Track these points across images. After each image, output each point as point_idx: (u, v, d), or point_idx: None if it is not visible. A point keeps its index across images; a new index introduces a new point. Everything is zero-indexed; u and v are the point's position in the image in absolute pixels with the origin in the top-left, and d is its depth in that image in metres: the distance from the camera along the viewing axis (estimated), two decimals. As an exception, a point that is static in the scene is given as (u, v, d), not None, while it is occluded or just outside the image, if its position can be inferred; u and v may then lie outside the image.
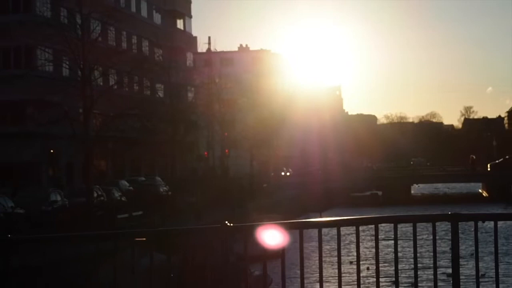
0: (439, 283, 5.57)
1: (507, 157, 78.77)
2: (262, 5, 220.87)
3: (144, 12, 62.13)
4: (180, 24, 70.04)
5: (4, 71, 44.36)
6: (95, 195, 36.90)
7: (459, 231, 5.56)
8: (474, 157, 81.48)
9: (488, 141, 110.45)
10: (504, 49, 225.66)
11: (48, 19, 42.15)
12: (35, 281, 8.60)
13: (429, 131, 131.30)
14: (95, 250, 12.95)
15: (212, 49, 75.72)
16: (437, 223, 5.80)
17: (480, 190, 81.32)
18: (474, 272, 5.72)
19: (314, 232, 5.59)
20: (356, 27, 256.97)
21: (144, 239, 5.67)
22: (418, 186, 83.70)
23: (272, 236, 5.74)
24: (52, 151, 44.45)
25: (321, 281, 5.38)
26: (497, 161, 78.80)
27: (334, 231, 5.73)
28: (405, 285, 8.87)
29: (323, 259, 5.67)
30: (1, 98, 43.11)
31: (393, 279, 6.66)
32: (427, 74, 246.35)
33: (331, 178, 69.76)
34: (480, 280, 5.78)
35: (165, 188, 49.59)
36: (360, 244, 5.93)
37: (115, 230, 19.95)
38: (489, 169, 76.91)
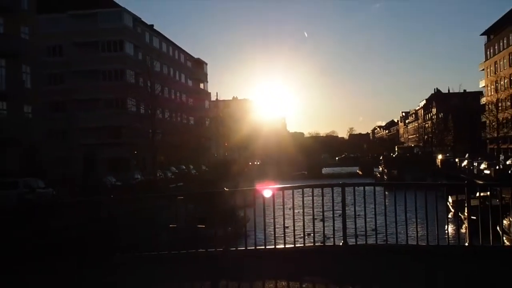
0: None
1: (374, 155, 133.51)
2: (246, 71, 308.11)
3: (183, 79, 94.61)
4: (202, 85, 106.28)
5: (110, 111, 66.89)
6: (158, 174, 60.76)
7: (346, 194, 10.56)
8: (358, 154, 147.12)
9: (361, 146, 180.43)
10: (366, 92, 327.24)
11: (132, 83, 68.19)
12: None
13: (331, 140, 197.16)
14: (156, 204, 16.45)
15: (219, 98, 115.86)
16: (334, 188, 10.96)
17: (357, 171, 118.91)
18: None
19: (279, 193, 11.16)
20: (298, 77, 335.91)
21: (182, 197, 12.64)
22: (325, 169, 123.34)
23: (250, 194, 11.83)
24: (135, 152, 66.41)
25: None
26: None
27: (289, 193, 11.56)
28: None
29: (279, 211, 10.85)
30: (110, 124, 65.78)
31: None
32: (332, 107, 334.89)
33: (280, 166, 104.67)
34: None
35: (194, 171, 77.64)
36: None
37: (169, 193, 34.24)
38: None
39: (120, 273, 9.99)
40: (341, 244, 10.57)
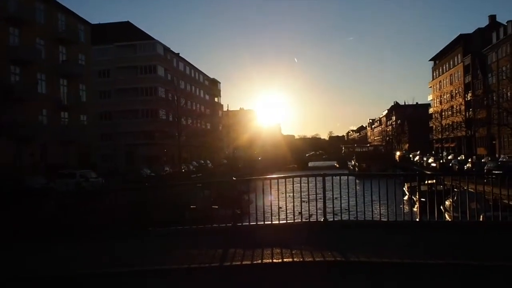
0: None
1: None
2: (250, 87, 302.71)
3: (201, 94, 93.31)
4: (216, 99, 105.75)
5: (146, 119, 67.68)
6: (182, 167, 60.20)
7: (326, 182, 10.48)
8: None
9: (338, 146, 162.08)
10: (342, 102, 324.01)
11: (163, 98, 69.21)
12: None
13: (315, 141, 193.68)
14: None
15: (229, 109, 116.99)
16: (317, 178, 10.80)
17: (335, 164, 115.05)
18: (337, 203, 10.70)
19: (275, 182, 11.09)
20: (291, 90, 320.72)
21: (200, 185, 13.12)
22: (311, 163, 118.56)
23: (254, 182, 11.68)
24: (165, 150, 66.80)
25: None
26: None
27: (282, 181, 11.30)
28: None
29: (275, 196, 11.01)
30: (146, 129, 66.46)
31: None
32: (316, 115, 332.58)
33: (276, 161, 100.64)
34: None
35: (210, 165, 74.50)
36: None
37: (191, 182, 34.04)
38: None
39: (154, 242, 10.00)
40: (322, 220, 10.58)
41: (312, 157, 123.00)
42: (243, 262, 7.78)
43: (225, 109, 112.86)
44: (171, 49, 76.73)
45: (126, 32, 69.08)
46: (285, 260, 7.79)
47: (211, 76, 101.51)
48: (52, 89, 44.64)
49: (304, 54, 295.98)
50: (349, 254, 7.94)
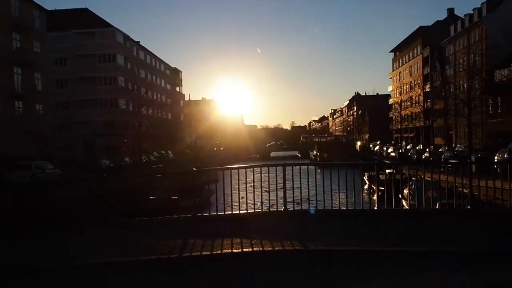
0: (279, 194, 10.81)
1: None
2: (213, 76, 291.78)
3: (162, 84, 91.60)
4: (178, 89, 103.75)
5: (105, 109, 65.88)
6: (143, 158, 58.72)
7: (287, 172, 10.53)
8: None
9: (298, 136, 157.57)
10: (304, 93, 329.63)
11: (123, 87, 66.63)
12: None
13: (278, 131, 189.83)
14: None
15: (191, 99, 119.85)
16: (277, 167, 10.80)
17: (297, 154, 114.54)
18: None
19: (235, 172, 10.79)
20: (254, 81, 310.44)
21: (160, 175, 15.10)
22: (273, 153, 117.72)
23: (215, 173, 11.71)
24: (125, 140, 64.67)
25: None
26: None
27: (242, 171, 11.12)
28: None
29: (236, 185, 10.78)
30: (105, 119, 64.84)
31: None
32: (278, 105, 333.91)
33: (238, 151, 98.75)
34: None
35: (171, 155, 72.27)
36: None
37: (152, 172, 36.62)
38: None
39: (111, 234, 9.82)
40: (282, 209, 10.63)
41: (272, 147, 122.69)
42: (203, 253, 7.76)
43: (186, 98, 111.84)
44: (131, 37, 75.28)
45: (84, 19, 67.11)
46: (244, 250, 7.80)
47: (173, 65, 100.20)
48: (5, 78, 43.06)
49: (267, 45, 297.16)
50: (308, 243, 8.02)
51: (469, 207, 10.83)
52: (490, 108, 57.17)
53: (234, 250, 7.79)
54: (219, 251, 7.79)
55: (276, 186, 10.92)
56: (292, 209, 11.05)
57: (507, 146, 38.36)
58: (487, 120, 57.40)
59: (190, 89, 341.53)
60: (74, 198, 11.74)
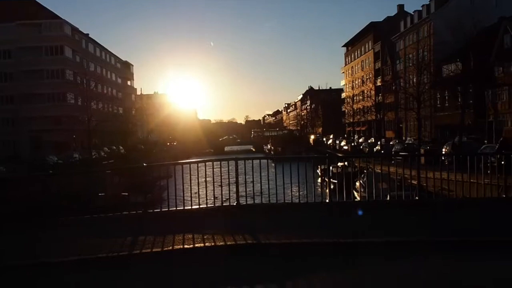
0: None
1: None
2: (166, 70, 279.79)
3: (113, 77, 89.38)
4: (129, 82, 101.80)
5: (53, 104, 63.41)
6: (93, 154, 56.99)
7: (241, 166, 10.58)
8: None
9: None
10: (259, 87, 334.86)
11: (71, 81, 64.04)
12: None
13: (232, 125, 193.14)
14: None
15: (143, 93, 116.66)
16: (229, 162, 10.83)
17: (251, 148, 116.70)
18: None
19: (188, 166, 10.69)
20: (208, 75, 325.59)
21: (110, 171, 12.53)
22: (227, 147, 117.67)
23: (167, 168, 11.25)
24: (74, 136, 61.84)
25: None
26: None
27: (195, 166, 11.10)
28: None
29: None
30: (53, 114, 62.47)
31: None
32: (233, 99, 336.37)
33: (192, 145, 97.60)
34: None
35: (123, 151, 71.15)
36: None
37: (100, 168, 33.97)
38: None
39: (58, 233, 9.48)
40: (235, 204, 10.61)
41: (225, 142, 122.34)
42: (153, 249, 7.62)
43: (138, 93, 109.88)
44: (80, 29, 73.12)
45: (30, 10, 64.57)
46: (196, 245, 7.72)
47: (124, 59, 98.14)
48: None
49: (221, 39, 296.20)
50: (261, 237, 8.03)
51: (417, 198, 11.15)
52: (438, 102, 59.20)
53: (186, 246, 7.70)
54: (170, 247, 7.67)
55: (229, 181, 10.91)
56: (245, 203, 11.04)
57: (455, 139, 39.88)
58: (435, 114, 59.42)
59: (142, 83, 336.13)
60: (17, 196, 11.29)
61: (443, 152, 33.28)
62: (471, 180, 11.15)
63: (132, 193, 11.36)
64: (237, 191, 10.58)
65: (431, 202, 11.07)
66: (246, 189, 10.78)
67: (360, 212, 9.97)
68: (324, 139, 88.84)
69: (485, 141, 40.22)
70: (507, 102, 46.55)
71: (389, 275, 6.44)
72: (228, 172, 10.90)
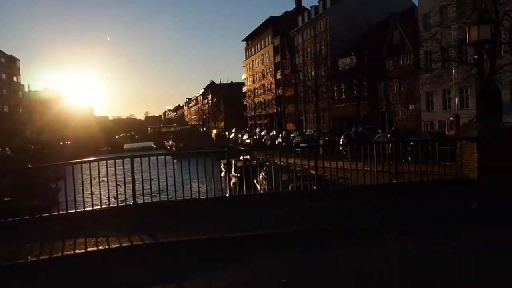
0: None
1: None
2: (59, 65, 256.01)
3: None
4: (15, 78, 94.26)
5: None
6: None
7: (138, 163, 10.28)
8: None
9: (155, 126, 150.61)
10: (159, 82, 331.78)
11: None
12: None
13: (131, 121, 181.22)
14: None
15: (31, 89, 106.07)
16: (125, 160, 10.47)
17: (152, 145, 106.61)
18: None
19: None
20: (105, 70, 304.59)
21: None
22: (127, 145, 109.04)
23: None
24: None
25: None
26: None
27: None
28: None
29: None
30: None
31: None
32: (131, 95, 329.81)
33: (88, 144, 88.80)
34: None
35: (9, 152, 63.91)
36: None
37: None
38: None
39: None
40: (132, 203, 10.26)
41: (123, 139, 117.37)
42: (40, 258, 7.09)
43: (26, 89, 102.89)
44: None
45: None
46: (88, 249, 7.31)
47: (8, 53, 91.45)
48: None
49: (118, 33, 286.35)
50: (159, 236, 7.80)
51: (315, 187, 11.51)
52: (335, 94, 61.94)
53: (77, 251, 7.26)
54: (59, 254, 7.19)
55: (124, 180, 10.52)
56: (142, 202, 10.72)
57: (352, 130, 41.97)
58: (333, 106, 62.11)
59: (33, 80, 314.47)
60: None
61: (341, 142, 34.86)
62: (365, 168, 11.74)
63: (16, 198, 10.53)
64: (134, 190, 10.24)
65: (328, 191, 11.48)
66: (143, 188, 10.47)
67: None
68: (227, 133, 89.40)
69: (379, 131, 42.72)
70: (398, 93, 49.86)
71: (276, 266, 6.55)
72: (123, 171, 10.49)
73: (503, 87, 30.60)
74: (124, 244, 7.44)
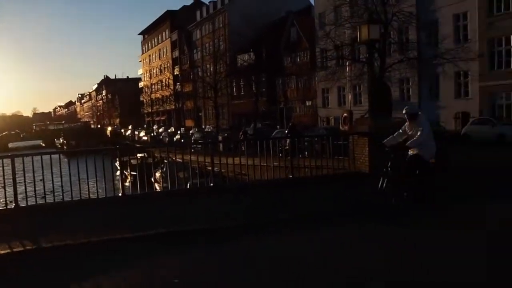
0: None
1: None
2: None
3: None
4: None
5: None
6: None
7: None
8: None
9: (44, 124, 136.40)
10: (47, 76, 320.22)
11: None
12: None
13: (17, 119, 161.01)
14: None
15: None
16: (4, 160, 9.63)
17: (41, 143, 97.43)
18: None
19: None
20: None
21: None
22: (12, 143, 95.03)
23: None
24: None
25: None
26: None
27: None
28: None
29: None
30: None
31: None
32: (16, 90, 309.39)
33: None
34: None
35: None
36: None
37: None
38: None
39: None
40: (13, 207, 9.54)
41: (5, 138, 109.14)
42: None
43: None
44: None
45: None
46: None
47: None
48: None
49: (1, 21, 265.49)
50: (42, 241, 7.29)
51: (212, 184, 11.46)
52: (234, 91, 62.55)
53: None
54: None
55: (4, 183, 9.76)
56: (25, 205, 10.00)
57: (250, 126, 42.54)
58: (232, 102, 62.66)
59: None
60: None
61: (241, 139, 35.26)
62: (262, 164, 11.91)
63: None
64: (15, 193, 9.54)
65: (225, 187, 11.51)
66: (26, 190, 9.80)
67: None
68: (123, 130, 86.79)
69: (278, 127, 43.80)
70: (295, 90, 51.47)
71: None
72: (3, 173, 9.71)
73: (392, 84, 32.87)
74: (1, 252, 6.86)
